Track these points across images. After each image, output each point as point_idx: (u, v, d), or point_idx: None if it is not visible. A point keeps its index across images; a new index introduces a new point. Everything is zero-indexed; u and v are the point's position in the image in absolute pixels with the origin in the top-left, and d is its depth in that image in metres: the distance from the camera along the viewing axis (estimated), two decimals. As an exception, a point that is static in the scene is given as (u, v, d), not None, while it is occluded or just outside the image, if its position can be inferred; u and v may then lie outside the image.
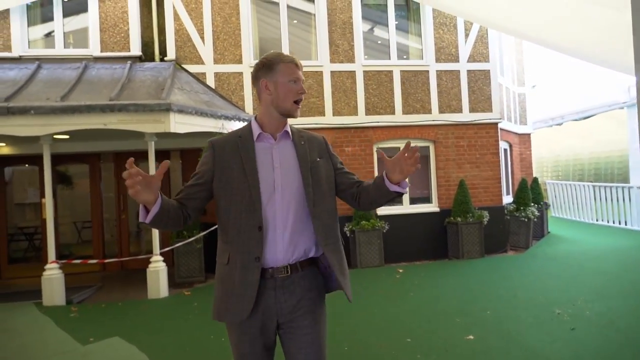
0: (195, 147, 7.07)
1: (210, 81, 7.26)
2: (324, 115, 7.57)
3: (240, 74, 7.36)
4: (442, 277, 6.35)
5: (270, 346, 1.80)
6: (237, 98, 7.35)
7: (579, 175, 18.82)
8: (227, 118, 6.42)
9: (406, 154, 1.64)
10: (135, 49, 7.06)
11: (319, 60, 7.62)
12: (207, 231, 6.65)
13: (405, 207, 7.89)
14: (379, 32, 8.14)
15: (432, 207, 7.95)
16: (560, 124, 12.25)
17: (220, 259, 1.78)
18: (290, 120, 1.86)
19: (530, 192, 8.57)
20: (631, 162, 9.99)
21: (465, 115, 7.98)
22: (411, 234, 7.71)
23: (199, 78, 7.19)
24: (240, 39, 7.36)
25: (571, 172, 19.43)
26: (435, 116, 7.90)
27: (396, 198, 1.78)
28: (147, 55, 7.28)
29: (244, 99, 7.36)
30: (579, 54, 7.07)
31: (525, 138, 10.83)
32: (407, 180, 1.71)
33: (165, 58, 7.15)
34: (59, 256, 7.59)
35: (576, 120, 11.56)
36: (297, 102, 1.76)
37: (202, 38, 7.26)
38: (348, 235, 7.25)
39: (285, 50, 7.53)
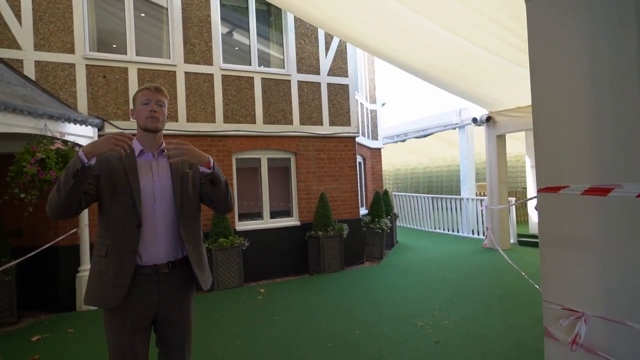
0: (7, 153, 5.58)
1: (30, 71, 5.85)
2: (177, 120, 6.74)
3: (72, 65, 6.10)
4: (306, 295, 6.08)
5: (145, 334, 2.03)
6: (66, 94, 6.07)
7: (415, 188, 20.93)
8: (52, 117, 5.18)
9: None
10: None
11: (172, 59, 6.78)
12: (23, 258, 5.26)
13: (266, 222, 7.47)
14: (238, 36, 7.64)
15: (293, 221, 7.68)
16: (404, 141, 13.34)
17: (98, 252, 2.01)
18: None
19: (383, 204, 8.95)
20: (462, 176, 11.28)
21: (326, 128, 7.96)
22: (272, 250, 7.31)
23: (13, 66, 5.73)
24: (72, 23, 6.11)
25: (409, 184, 21.51)
26: (297, 127, 7.70)
27: (214, 181, 2.06)
28: None
29: (75, 96, 6.11)
30: (429, 77, 7.62)
31: (376, 152, 11.44)
32: (209, 162, 2.03)
33: (-38, 36, 5.53)
34: None
35: (417, 137, 12.70)
36: (149, 118, 2.06)
37: (18, 16, 5.82)
38: (204, 254, 6.51)
39: (131, 45, 6.52)
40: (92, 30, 6.38)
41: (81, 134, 5.71)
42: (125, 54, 6.49)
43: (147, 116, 2.05)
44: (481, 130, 10.59)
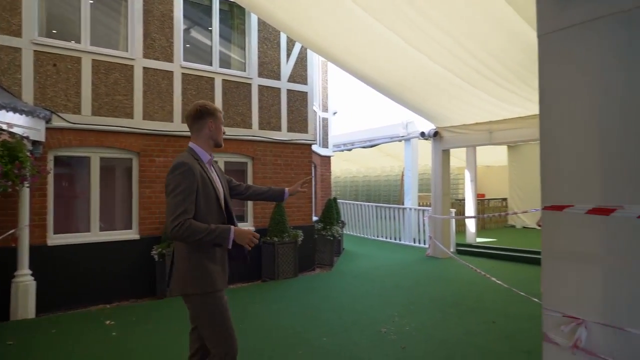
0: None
1: (-32, 53, 5.28)
2: (132, 117, 6.40)
3: (18, 50, 5.59)
4: (267, 302, 6.02)
5: None
6: (9, 81, 5.54)
7: (354, 195, 21.44)
8: (-4, 106, 4.70)
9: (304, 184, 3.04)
10: None
11: (130, 52, 6.44)
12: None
13: (221, 226, 7.29)
14: (199, 35, 7.43)
15: (247, 226, 7.57)
16: (350, 150, 13.65)
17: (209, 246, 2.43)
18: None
19: (335, 211, 9.10)
20: (405, 187, 11.76)
21: (284, 134, 7.96)
22: (226, 255, 7.14)
23: (-51, 46, 5.15)
24: (20, 5, 5.60)
25: (348, 192, 21.99)
26: (255, 132, 7.62)
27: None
28: None
29: (20, 84, 5.60)
30: (384, 89, 7.89)
31: (326, 160, 11.60)
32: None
33: None
34: None
35: (364, 147, 13.06)
36: (224, 138, 2.68)
37: (-42, -8, 5.25)
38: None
39: (86, 34, 6.11)
40: (42, 14, 5.90)
41: (27, 126, 5.23)
42: (79, 42, 6.07)
43: (223, 137, 2.65)
44: (423, 143, 11.16)
